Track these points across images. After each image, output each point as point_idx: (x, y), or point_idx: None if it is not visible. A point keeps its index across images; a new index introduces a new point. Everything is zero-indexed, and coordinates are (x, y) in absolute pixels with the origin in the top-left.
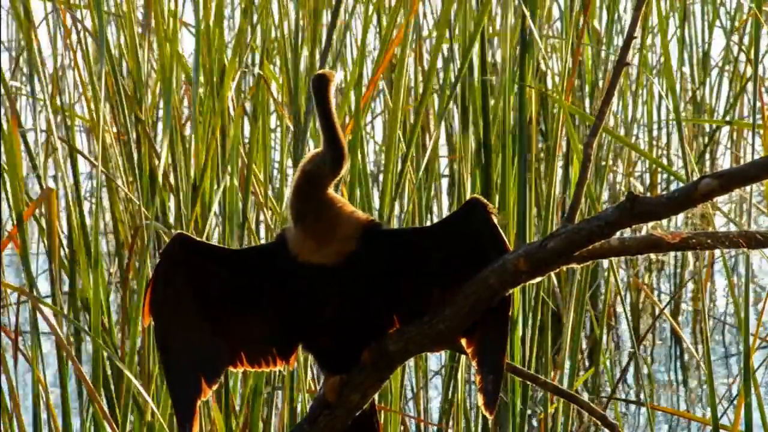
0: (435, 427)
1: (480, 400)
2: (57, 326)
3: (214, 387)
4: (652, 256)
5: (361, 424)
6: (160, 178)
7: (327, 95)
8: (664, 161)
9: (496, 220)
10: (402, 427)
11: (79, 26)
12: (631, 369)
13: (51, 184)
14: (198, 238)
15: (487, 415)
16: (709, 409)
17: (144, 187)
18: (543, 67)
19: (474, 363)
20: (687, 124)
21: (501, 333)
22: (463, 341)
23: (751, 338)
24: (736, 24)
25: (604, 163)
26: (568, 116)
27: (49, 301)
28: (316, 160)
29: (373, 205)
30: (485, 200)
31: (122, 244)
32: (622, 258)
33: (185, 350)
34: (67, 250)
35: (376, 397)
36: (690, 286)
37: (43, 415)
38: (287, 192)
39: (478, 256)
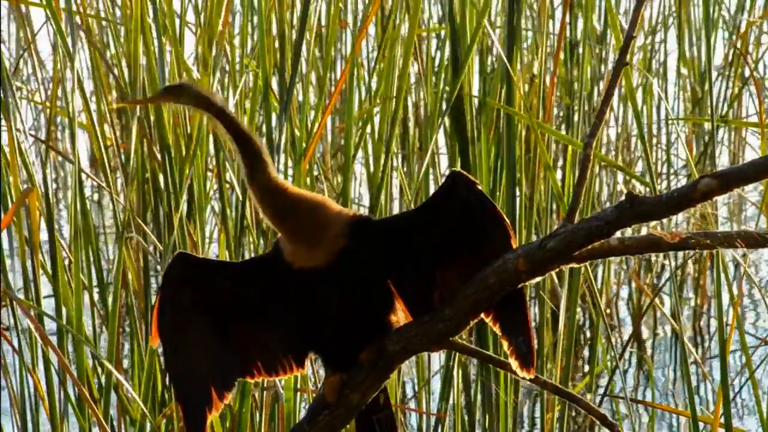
0: (434, 417)
1: (514, 364)
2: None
3: (226, 400)
4: (652, 256)
5: (372, 419)
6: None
7: (210, 98)
8: (663, 161)
9: (480, 188)
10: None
11: (81, 32)
12: (632, 368)
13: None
14: (198, 256)
15: (526, 375)
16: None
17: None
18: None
19: (497, 329)
20: (687, 125)
21: (519, 295)
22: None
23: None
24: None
25: (604, 162)
26: (533, 121)
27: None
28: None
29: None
30: (465, 172)
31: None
32: (622, 258)
33: (195, 365)
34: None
35: (389, 392)
36: (690, 285)
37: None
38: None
39: (468, 225)
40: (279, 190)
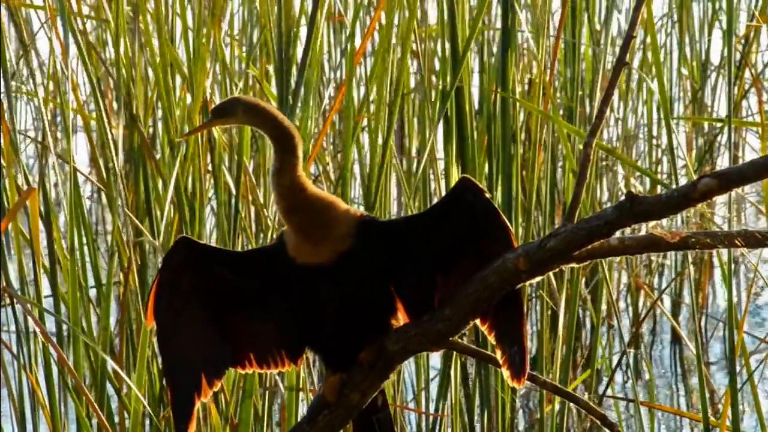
0: (431, 418)
1: (506, 374)
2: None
3: (215, 387)
4: (653, 256)
5: (371, 420)
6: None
7: (260, 105)
8: (664, 161)
9: (488, 196)
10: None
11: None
12: (631, 369)
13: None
14: (201, 242)
15: (516, 386)
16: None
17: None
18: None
19: (491, 338)
20: (687, 125)
21: (516, 304)
22: (477, 319)
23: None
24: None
25: (604, 162)
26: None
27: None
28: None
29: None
30: (475, 180)
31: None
32: (621, 258)
33: (188, 350)
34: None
35: (387, 393)
36: (690, 285)
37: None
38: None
39: (473, 232)
40: (298, 189)
